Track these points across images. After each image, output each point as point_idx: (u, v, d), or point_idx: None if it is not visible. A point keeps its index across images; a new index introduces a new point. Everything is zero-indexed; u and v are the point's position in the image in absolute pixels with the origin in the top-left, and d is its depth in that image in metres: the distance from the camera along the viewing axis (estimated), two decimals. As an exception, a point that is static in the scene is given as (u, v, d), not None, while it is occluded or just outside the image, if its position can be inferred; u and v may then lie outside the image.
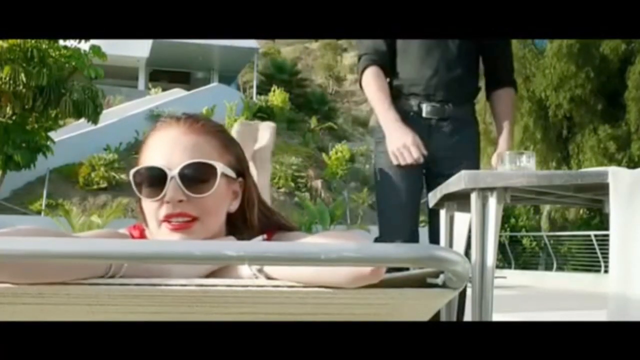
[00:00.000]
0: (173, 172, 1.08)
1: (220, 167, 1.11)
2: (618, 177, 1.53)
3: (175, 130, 1.13)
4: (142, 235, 1.19)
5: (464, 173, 1.65)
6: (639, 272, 1.47)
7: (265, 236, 1.15)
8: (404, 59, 2.48)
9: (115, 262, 0.88)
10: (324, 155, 20.49)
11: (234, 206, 1.18)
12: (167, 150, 1.11)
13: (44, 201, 14.90)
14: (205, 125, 1.16)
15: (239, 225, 1.18)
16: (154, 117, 18.36)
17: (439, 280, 0.88)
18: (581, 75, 14.16)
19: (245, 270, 0.95)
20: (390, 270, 0.88)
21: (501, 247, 15.94)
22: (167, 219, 1.08)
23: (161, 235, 1.10)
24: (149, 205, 1.11)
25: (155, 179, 1.09)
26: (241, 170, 1.20)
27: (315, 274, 0.86)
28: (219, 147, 1.15)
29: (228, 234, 1.17)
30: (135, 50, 23.88)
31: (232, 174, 1.16)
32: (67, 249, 0.72)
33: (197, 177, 1.09)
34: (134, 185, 1.12)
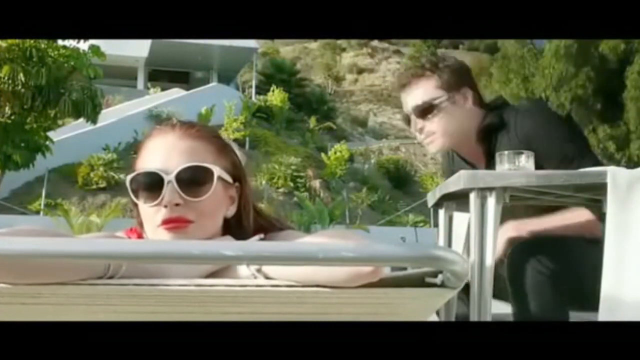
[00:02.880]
0: (170, 176, 1.08)
1: (217, 171, 1.12)
2: (617, 177, 1.53)
3: (170, 136, 1.14)
4: (140, 238, 1.19)
5: (463, 173, 1.65)
6: (631, 272, 1.47)
7: (262, 235, 1.15)
8: None
9: (114, 262, 0.88)
10: (323, 155, 20.46)
11: (231, 211, 1.18)
12: (163, 155, 1.12)
13: (42, 201, 14.87)
14: (200, 130, 1.17)
15: (234, 229, 1.19)
16: (153, 117, 18.35)
17: (438, 280, 0.88)
18: (580, 75, 14.18)
19: (244, 270, 0.95)
20: (393, 269, 0.88)
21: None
22: (165, 223, 1.08)
23: (158, 238, 1.10)
24: (146, 210, 1.11)
25: (152, 184, 1.09)
26: (237, 176, 1.20)
27: (314, 273, 0.86)
28: (214, 152, 1.16)
29: None
30: (134, 49, 23.85)
31: (228, 178, 1.16)
32: (66, 249, 0.72)
33: (193, 180, 1.10)
34: (130, 191, 1.12)
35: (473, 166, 2.01)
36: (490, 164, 1.86)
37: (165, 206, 1.08)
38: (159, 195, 1.08)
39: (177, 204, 1.08)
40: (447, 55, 2.06)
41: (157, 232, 1.10)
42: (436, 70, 1.96)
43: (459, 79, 1.97)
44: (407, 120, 2.02)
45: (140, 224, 1.17)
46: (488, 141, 1.90)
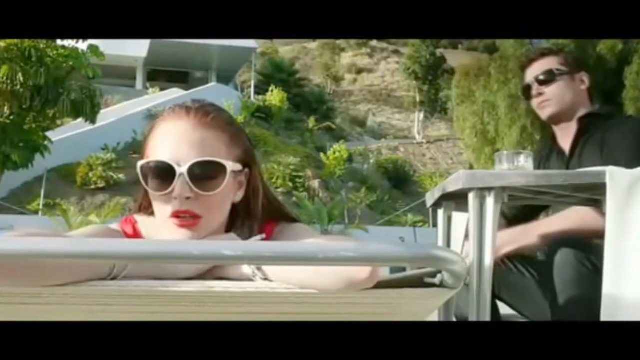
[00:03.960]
0: (182, 168, 1.07)
1: (230, 166, 1.11)
2: (615, 177, 1.53)
3: (184, 123, 1.12)
4: (135, 230, 1.19)
5: (462, 173, 1.65)
6: (631, 272, 1.47)
7: (264, 235, 1.14)
8: None
9: (118, 263, 0.88)
10: (322, 155, 20.46)
11: (239, 196, 1.17)
12: (175, 144, 1.10)
13: (41, 201, 14.86)
14: (215, 118, 1.14)
15: (242, 214, 1.18)
16: (152, 117, 18.26)
17: (436, 280, 0.88)
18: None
19: (244, 268, 0.95)
20: (393, 270, 0.88)
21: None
22: (175, 216, 1.08)
23: (167, 230, 1.09)
24: (156, 197, 1.11)
25: (164, 174, 1.08)
26: (247, 162, 1.19)
27: (312, 277, 0.86)
28: (227, 142, 1.14)
29: (231, 223, 1.17)
30: (133, 49, 23.83)
31: (239, 168, 1.16)
32: (67, 249, 0.72)
33: (205, 175, 1.08)
34: (141, 176, 1.11)
35: (559, 152, 2.16)
36: (575, 147, 2.07)
37: (176, 198, 1.07)
38: (169, 186, 1.07)
39: (187, 197, 1.07)
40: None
41: (167, 223, 1.09)
42: (561, 52, 2.27)
43: (580, 64, 2.25)
44: (527, 91, 2.21)
45: (147, 207, 1.17)
46: (588, 124, 2.07)
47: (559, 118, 2.15)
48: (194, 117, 1.13)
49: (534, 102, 2.20)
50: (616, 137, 1.97)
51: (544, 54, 2.22)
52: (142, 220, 1.20)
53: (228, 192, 1.13)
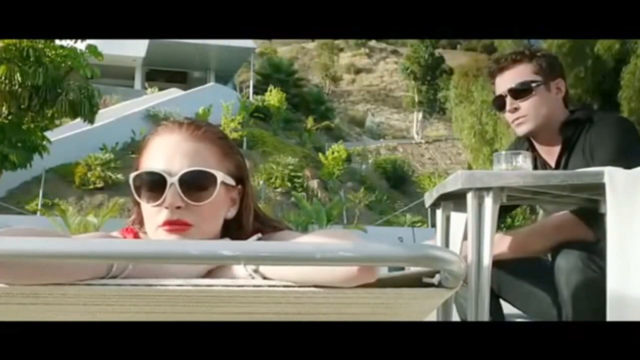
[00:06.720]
0: (173, 178, 1.08)
1: (220, 176, 1.12)
2: (614, 177, 1.53)
3: (176, 136, 1.14)
4: (136, 237, 1.19)
5: (460, 173, 1.65)
6: (636, 271, 1.47)
7: (260, 235, 1.15)
8: None
9: (117, 262, 0.88)
10: (320, 155, 20.47)
11: (232, 213, 1.18)
12: (167, 155, 1.11)
13: (40, 201, 14.84)
14: (206, 132, 1.16)
15: (233, 230, 1.19)
16: (151, 117, 18.33)
17: (435, 280, 0.88)
18: (571, 75, 14.21)
19: (240, 270, 0.95)
20: (391, 269, 0.88)
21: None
22: (165, 224, 1.08)
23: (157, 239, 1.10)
24: (147, 209, 1.11)
25: (155, 184, 1.09)
26: (240, 178, 1.20)
27: (310, 274, 0.86)
28: (219, 155, 1.16)
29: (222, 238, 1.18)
30: (132, 49, 23.82)
31: (231, 181, 1.16)
32: (66, 249, 0.72)
33: (196, 184, 1.09)
34: (133, 188, 1.12)
35: (544, 163, 2.06)
36: (561, 158, 1.97)
37: (167, 208, 1.08)
38: (161, 196, 1.08)
39: (178, 207, 1.08)
40: (542, 47, 2.14)
41: (157, 232, 1.10)
42: (535, 57, 2.05)
43: (555, 70, 2.08)
44: (500, 103, 2.06)
45: (140, 222, 1.17)
46: (570, 134, 1.97)
47: (536, 133, 2.03)
48: (186, 130, 1.15)
49: (508, 117, 2.06)
50: (597, 138, 1.88)
51: (516, 60, 2.04)
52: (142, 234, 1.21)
53: (219, 204, 1.14)
